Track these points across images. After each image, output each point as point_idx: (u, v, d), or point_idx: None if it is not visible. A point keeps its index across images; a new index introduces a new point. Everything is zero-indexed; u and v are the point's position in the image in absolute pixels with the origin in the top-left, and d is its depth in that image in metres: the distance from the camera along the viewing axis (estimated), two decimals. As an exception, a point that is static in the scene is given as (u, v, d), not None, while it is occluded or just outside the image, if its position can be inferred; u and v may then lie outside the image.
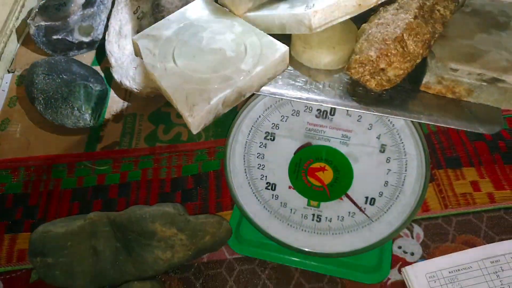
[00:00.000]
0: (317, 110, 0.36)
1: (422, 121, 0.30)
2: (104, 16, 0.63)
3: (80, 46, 0.63)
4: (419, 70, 0.31)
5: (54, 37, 0.61)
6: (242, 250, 0.44)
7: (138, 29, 0.55)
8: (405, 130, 0.35)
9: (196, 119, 0.27)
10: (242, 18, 0.34)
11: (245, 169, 0.41)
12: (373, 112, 0.30)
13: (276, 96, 0.32)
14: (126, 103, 0.59)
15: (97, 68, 0.62)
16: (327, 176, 0.39)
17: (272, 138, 0.39)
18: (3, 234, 0.48)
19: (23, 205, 0.50)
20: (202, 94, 0.27)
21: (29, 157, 0.54)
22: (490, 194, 0.48)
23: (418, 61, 0.28)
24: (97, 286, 0.39)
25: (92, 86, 0.55)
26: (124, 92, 0.60)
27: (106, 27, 0.60)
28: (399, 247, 0.44)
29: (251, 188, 0.41)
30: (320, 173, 0.39)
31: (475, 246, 0.43)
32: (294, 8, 0.30)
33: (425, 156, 0.35)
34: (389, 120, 0.35)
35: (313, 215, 0.41)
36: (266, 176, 0.41)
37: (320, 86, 0.31)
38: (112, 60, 0.56)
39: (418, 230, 0.45)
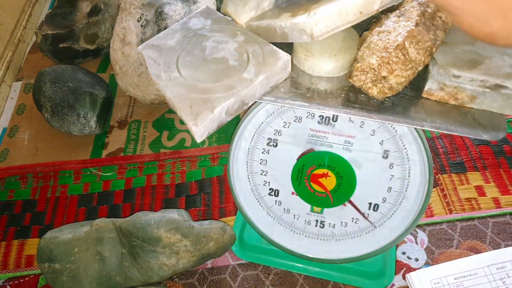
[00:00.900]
0: (320, 116, 0.36)
1: (425, 128, 0.30)
2: (109, 24, 0.64)
3: (86, 54, 0.64)
4: (421, 77, 0.31)
5: (61, 45, 0.62)
6: (246, 256, 0.45)
7: (142, 36, 0.56)
8: (408, 136, 0.35)
9: (200, 127, 0.27)
10: (244, 27, 0.34)
11: (248, 175, 0.41)
12: (376, 119, 0.30)
13: (278, 104, 0.32)
14: (130, 110, 0.60)
15: (103, 76, 0.63)
16: (330, 182, 0.39)
17: (274, 144, 0.39)
18: (12, 240, 0.49)
19: (31, 211, 0.51)
20: (206, 103, 0.27)
21: (37, 164, 0.55)
22: (495, 198, 0.47)
23: (420, 68, 0.28)
24: (103, 292, 0.40)
25: (97, 94, 0.56)
26: (128, 99, 0.61)
27: (111, 35, 0.60)
28: (403, 253, 0.44)
29: (254, 194, 0.42)
30: (323, 179, 0.39)
31: (480, 252, 0.43)
32: (296, 17, 0.30)
33: (428, 162, 0.35)
34: (392, 126, 0.35)
35: (317, 221, 0.41)
36: (269, 182, 0.41)
37: (322, 93, 0.31)
38: (117, 67, 0.57)
39: (422, 235, 0.45)
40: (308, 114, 0.36)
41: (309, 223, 0.42)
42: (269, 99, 0.31)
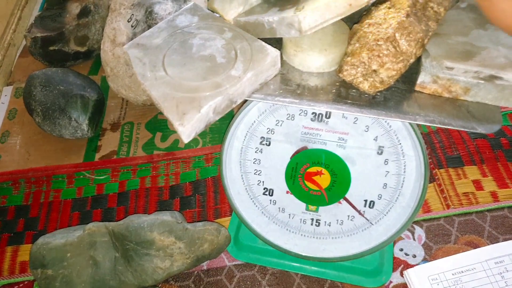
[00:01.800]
0: (312, 113, 0.36)
1: (418, 122, 0.29)
2: (99, 26, 0.63)
3: (77, 56, 0.63)
4: (413, 70, 0.30)
5: (51, 48, 0.61)
6: (242, 257, 0.44)
7: (132, 37, 0.55)
8: (403, 131, 0.35)
9: (187, 127, 0.26)
10: (232, 23, 0.34)
11: (241, 175, 0.40)
12: (368, 115, 0.30)
13: (268, 102, 0.31)
14: (123, 112, 0.59)
15: (94, 78, 0.62)
16: (325, 180, 0.38)
17: (267, 143, 0.38)
18: (5, 246, 0.48)
19: (24, 217, 0.50)
20: (193, 102, 0.27)
21: (29, 169, 0.54)
22: (493, 192, 0.47)
23: (412, 60, 0.28)
24: (96, 297, 0.39)
25: (89, 96, 0.56)
26: (121, 101, 0.60)
27: (101, 37, 0.60)
28: (401, 250, 0.44)
29: (248, 194, 0.41)
30: (317, 177, 0.38)
31: (478, 246, 0.43)
32: (284, 11, 0.30)
33: (423, 157, 0.35)
34: (386, 122, 0.34)
35: (312, 219, 0.41)
36: (263, 182, 0.40)
37: (313, 89, 0.31)
38: (108, 69, 0.56)
39: (419, 231, 0.45)
40: (301, 111, 0.36)
41: (304, 222, 0.41)
42: (258, 97, 0.31)
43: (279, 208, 0.41)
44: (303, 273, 0.43)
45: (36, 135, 0.57)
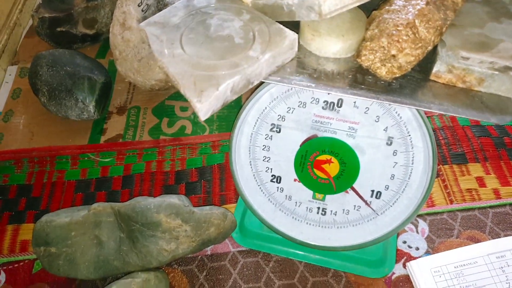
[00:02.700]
0: (324, 101, 0.36)
1: (433, 110, 0.29)
2: (108, 9, 0.63)
3: (84, 39, 0.63)
4: (429, 59, 0.30)
5: (58, 29, 0.61)
6: (246, 243, 0.44)
7: (142, 21, 0.55)
8: (413, 122, 0.35)
9: (205, 105, 0.26)
10: (250, 5, 0.34)
11: (250, 161, 0.40)
12: (383, 100, 0.30)
13: (284, 84, 0.31)
14: (130, 96, 0.59)
15: (101, 62, 0.62)
16: (334, 168, 0.38)
17: (278, 130, 0.38)
18: (6, 224, 0.48)
19: (26, 196, 0.50)
20: (211, 80, 0.27)
21: (33, 148, 0.54)
22: (495, 190, 0.47)
23: (430, 48, 0.28)
24: (100, 276, 0.39)
25: (96, 78, 0.55)
26: (128, 85, 0.60)
27: (110, 20, 0.59)
28: (404, 242, 0.44)
29: (256, 180, 0.41)
30: (326, 165, 0.38)
31: (480, 241, 0.43)
32: (303, -5, 0.30)
33: (432, 149, 0.35)
34: (396, 112, 0.35)
35: (318, 208, 0.41)
36: (271, 169, 0.40)
37: (329, 74, 0.31)
38: (116, 53, 0.56)
39: (423, 225, 0.45)
40: (313, 99, 0.36)
41: (310, 210, 0.41)
42: (275, 79, 0.31)
43: (286, 195, 0.41)
44: (307, 261, 0.43)
45: (40, 116, 0.57)
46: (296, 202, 0.41)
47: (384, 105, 0.34)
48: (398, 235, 0.44)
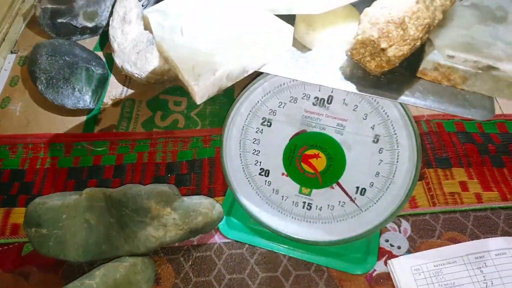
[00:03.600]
0: (315, 97, 0.37)
1: (418, 105, 0.31)
2: (109, 3, 0.64)
3: (84, 31, 0.64)
4: (416, 57, 0.32)
5: (59, 20, 0.62)
6: (232, 235, 0.45)
7: (143, 16, 0.56)
8: (399, 121, 0.36)
9: (201, 88, 0.28)
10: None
11: (240, 153, 0.42)
12: (371, 94, 0.31)
13: (277, 75, 0.33)
14: (125, 89, 0.60)
15: (99, 54, 0.63)
16: (321, 163, 0.39)
17: (268, 124, 0.39)
18: (-3, 208, 0.48)
19: (19, 181, 0.50)
20: (208, 65, 0.28)
21: (28, 134, 0.54)
22: (477, 194, 0.49)
23: (417, 44, 0.29)
24: (89, 259, 0.40)
25: (94, 69, 0.56)
26: (124, 78, 0.61)
27: (110, 14, 0.61)
28: (386, 241, 0.45)
29: (244, 172, 0.42)
30: (313, 160, 0.39)
31: (460, 243, 0.44)
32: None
33: (417, 148, 0.36)
34: (384, 111, 0.36)
35: (304, 203, 0.42)
36: (260, 162, 0.42)
37: (321, 67, 0.32)
38: (115, 45, 0.57)
39: (405, 225, 0.46)
40: (304, 95, 0.37)
41: (296, 205, 0.42)
42: (268, 69, 0.32)
43: (273, 189, 0.42)
44: (290, 255, 0.44)
45: (37, 103, 0.58)
46: (283, 196, 0.42)
47: (372, 103, 0.36)
48: (381, 233, 0.46)
